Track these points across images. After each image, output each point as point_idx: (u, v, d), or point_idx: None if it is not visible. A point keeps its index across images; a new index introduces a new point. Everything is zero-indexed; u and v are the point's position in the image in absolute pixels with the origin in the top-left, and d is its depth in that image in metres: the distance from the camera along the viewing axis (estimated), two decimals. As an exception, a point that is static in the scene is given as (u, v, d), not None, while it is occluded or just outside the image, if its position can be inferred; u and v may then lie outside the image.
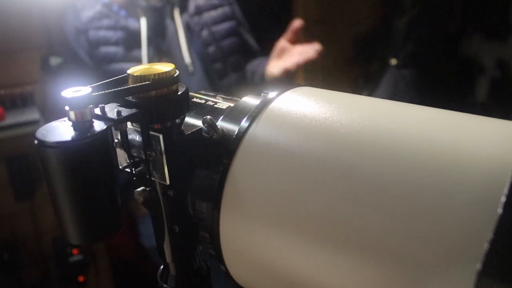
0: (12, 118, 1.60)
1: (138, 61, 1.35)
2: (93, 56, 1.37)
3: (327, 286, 0.31)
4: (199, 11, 1.44)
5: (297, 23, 1.34)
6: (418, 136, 0.30)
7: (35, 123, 1.58)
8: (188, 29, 1.41)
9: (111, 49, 1.35)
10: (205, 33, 1.43)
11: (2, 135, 1.56)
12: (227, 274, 0.38)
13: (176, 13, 1.40)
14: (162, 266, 0.45)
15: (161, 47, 1.40)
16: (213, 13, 1.45)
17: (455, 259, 0.25)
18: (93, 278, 1.95)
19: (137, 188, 0.39)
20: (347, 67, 2.33)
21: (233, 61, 1.48)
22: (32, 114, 1.63)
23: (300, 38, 1.35)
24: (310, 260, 0.31)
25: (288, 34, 1.35)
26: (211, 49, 1.44)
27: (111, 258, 2.02)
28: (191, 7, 1.43)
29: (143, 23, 1.36)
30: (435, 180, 0.27)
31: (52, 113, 1.71)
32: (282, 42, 1.37)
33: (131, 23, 1.36)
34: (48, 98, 1.74)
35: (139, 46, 1.35)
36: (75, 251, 1.81)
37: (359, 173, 0.30)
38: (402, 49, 2.23)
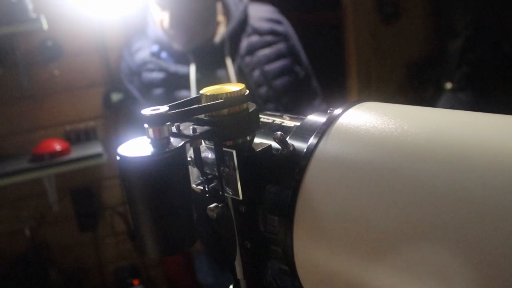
0: (76, 152, 1.67)
1: None
2: (146, 96, 1.40)
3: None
4: (252, 49, 1.40)
5: None
6: (493, 144, 0.30)
7: (98, 157, 1.65)
8: (239, 71, 1.38)
9: (163, 91, 1.38)
10: (256, 73, 1.39)
11: (68, 168, 1.63)
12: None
13: (228, 60, 1.37)
14: (232, 285, 0.45)
15: None
16: (267, 51, 1.41)
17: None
18: (153, 308, 1.98)
19: (210, 205, 0.40)
20: (401, 92, 2.30)
21: (286, 101, 1.43)
22: (95, 148, 1.70)
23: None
24: (388, 277, 0.31)
25: None
26: (263, 90, 1.39)
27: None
28: (243, 46, 1.40)
29: (192, 69, 1.36)
30: None
31: (115, 146, 1.77)
32: None
33: (180, 69, 1.37)
34: (110, 132, 1.82)
35: (189, 89, 1.36)
36: (135, 281, 1.84)
37: (434, 184, 0.29)
38: (457, 72, 2.18)
